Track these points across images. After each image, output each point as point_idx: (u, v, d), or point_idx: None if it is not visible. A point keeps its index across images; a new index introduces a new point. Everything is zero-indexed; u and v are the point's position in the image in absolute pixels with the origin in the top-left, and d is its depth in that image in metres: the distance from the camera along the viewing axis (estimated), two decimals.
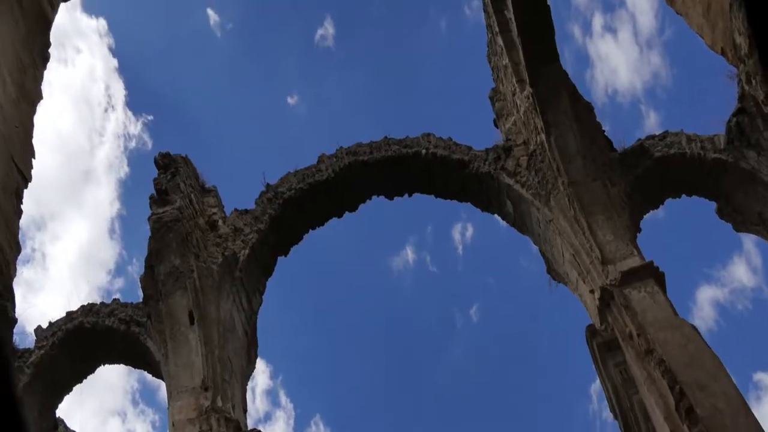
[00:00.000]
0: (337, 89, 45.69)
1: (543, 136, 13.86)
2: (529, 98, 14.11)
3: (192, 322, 13.74)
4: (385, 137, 15.68)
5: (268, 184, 15.55)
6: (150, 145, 42.48)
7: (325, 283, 44.69)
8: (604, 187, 13.63)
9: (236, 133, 45.47)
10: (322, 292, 44.23)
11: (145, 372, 15.43)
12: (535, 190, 13.93)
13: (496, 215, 15.43)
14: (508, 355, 43.53)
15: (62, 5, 6.94)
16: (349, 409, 43.04)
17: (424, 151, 15.26)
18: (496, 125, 15.55)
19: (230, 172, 41.06)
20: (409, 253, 45.12)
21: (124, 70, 44.86)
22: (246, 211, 15.28)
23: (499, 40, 14.60)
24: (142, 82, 45.55)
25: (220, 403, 12.77)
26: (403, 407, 42.49)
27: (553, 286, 14.95)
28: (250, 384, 14.91)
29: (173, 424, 12.51)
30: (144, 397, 41.83)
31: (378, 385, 43.06)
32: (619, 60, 44.01)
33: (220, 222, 15.05)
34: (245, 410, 14.06)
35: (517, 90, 14.39)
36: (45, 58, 6.60)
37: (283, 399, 42.93)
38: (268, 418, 41.07)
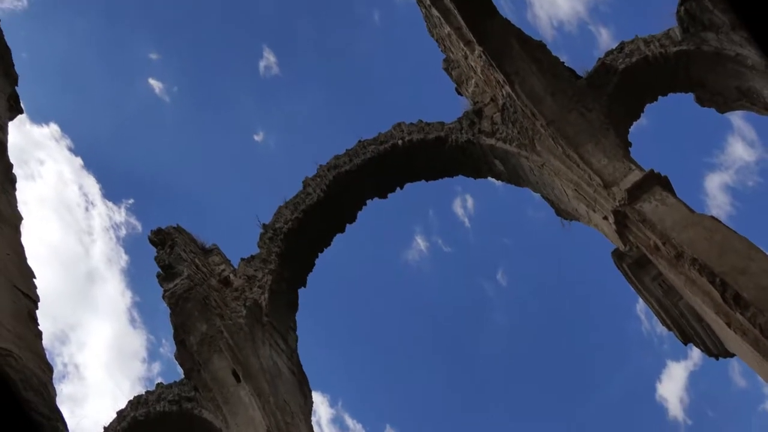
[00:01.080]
0: (298, 111, 45.71)
1: (507, 87, 13.85)
2: (481, 56, 14.10)
3: (238, 380, 13.76)
4: (359, 141, 15.69)
5: (264, 224, 15.55)
6: (140, 227, 42.52)
7: (349, 296, 44.63)
8: (581, 116, 13.62)
9: (217, 186, 45.49)
10: (350, 305, 44.16)
11: None
12: (518, 141, 13.92)
13: (489, 178, 15.44)
14: (547, 306, 43.60)
15: (11, 123, 6.94)
16: (416, 408, 43.03)
17: (399, 142, 15.27)
18: (459, 93, 15.53)
19: (224, 225, 41.06)
20: (420, 242, 45.14)
21: (90, 166, 44.87)
22: (252, 257, 15.28)
23: (434, 12, 14.61)
24: (111, 170, 45.59)
25: None
26: (466, 387, 42.49)
27: (567, 226, 14.96)
28: (313, 419, 14.92)
29: None
30: None
31: (434, 375, 43.06)
32: None
33: (232, 276, 15.07)
34: None
35: (468, 53, 14.38)
36: (12, 180, 6.61)
37: (350, 422, 42.88)
38: None
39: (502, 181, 15.35)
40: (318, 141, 42.52)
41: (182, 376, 14.52)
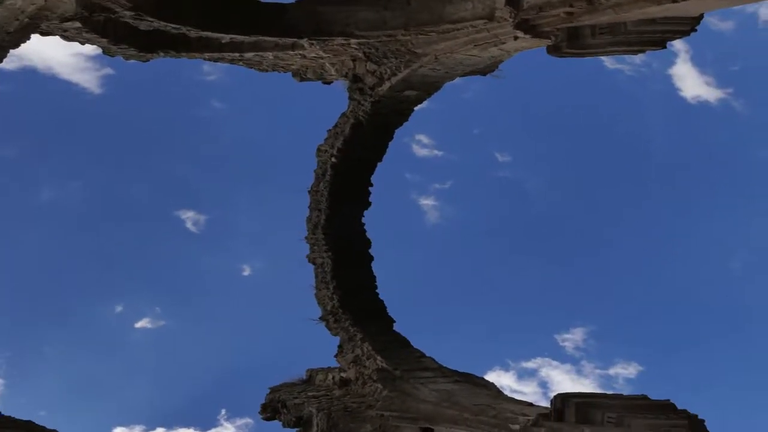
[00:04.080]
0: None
1: (351, 40, 13.88)
2: (312, 44, 14.14)
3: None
4: None
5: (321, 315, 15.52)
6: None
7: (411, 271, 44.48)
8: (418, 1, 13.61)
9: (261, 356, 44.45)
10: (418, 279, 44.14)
11: None
12: (405, 62, 13.96)
13: (415, 108, 15.42)
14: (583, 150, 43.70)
15: None
16: None
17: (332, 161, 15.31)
18: (328, 83, 15.53)
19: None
20: (431, 196, 45.22)
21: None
22: (339, 347, 15.28)
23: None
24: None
25: None
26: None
27: (498, 72, 14.93)
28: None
29: None
30: None
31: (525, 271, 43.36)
32: None
33: (344, 374, 15.04)
34: None
35: (302, 53, 14.41)
36: None
37: None
38: None
39: (423, 99, 15.37)
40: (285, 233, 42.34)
41: None
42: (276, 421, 14.96)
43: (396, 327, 16.04)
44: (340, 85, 15.22)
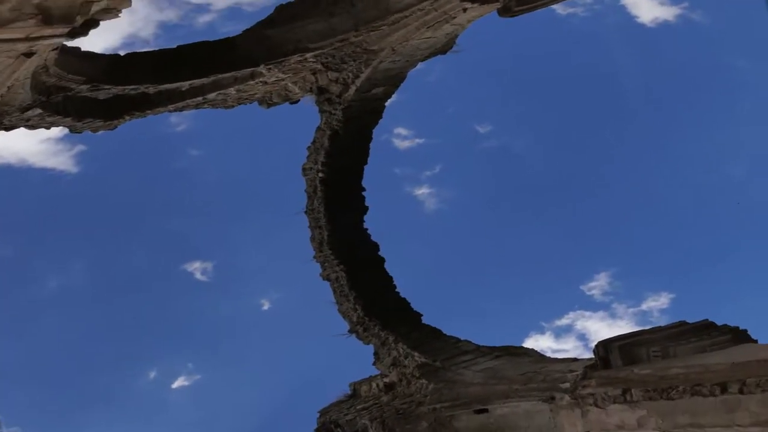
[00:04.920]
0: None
1: (307, 54, 13.89)
2: (270, 69, 14.16)
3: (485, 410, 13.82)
4: None
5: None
6: None
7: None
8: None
9: None
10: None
11: None
12: (365, 61, 13.99)
13: (386, 103, 15.45)
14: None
15: None
16: None
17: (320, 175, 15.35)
18: (295, 102, 15.53)
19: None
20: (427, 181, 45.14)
21: None
22: (375, 353, 15.29)
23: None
24: None
25: None
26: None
27: (456, 47, 14.93)
28: None
29: None
30: None
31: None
32: None
33: (387, 379, 15.03)
34: None
35: (262, 80, 14.41)
36: None
37: None
38: None
39: (391, 93, 15.39)
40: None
41: None
42: None
43: (424, 320, 16.05)
44: (308, 101, 15.23)
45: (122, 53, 13.72)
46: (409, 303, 16.19)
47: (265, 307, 44.98)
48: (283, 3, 14.30)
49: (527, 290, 44.23)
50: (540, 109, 45.71)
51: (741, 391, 10.66)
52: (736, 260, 40.84)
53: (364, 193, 16.16)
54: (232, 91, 14.51)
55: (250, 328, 46.68)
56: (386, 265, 16.35)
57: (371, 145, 15.95)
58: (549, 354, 15.14)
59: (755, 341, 12.90)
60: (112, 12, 9.82)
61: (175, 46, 14.07)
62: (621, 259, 43.60)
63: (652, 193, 43.23)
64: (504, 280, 44.84)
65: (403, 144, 45.09)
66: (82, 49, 12.83)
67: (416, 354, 14.72)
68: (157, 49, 14.09)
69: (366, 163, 16.09)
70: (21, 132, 13.16)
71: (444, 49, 14.70)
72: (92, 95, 13.28)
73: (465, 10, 12.86)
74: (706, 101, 41.94)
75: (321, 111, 14.99)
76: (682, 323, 13.13)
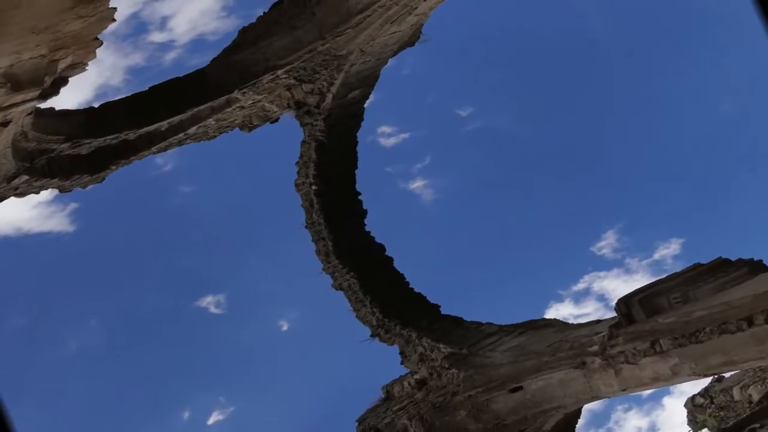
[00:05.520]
0: None
1: (278, 71, 13.93)
2: (245, 93, 14.18)
3: (519, 388, 13.83)
4: None
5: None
6: None
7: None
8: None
9: None
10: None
11: None
12: (337, 69, 14.00)
13: (365, 105, 15.46)
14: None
15: None
16: None
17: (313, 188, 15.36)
18: (275, 121, 15.54)
19: None
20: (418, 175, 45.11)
21: None
22: (401, 352, 15.29)
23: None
24: None
25: None
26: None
27: (423, 37, 14.93)
28: None
29: None
30: None
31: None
32: None
33: (418, 375, 15.03)
34: None
35: (241, 105, 14.42)
36: None
37: None
38: None
39: (368, 94, 15.40)
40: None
41: None
42: None
43: (443, 310, 16.04)
44: (289, 117, 15.23)
45: (96, 105, 13.72)
46: (426, 297, 16.19)
47: (285, 328, 44.99)
48: (245, 25, 14.31)
49: (538, 262, 44.33)
50: (518, 82, 45.79)
51: None
52: (739, 194, 40.89)
53: (360, 197, 16.15)
54: (211, 121, 14.51)
55: (274, 351, 46.71)
56: (395, 264, 16.36)
57: (358, 148, 15.96)
58: (572, 321, 15.15)
59: None
60: (79, 66, 9.82)
61: (146, 88, 14.07)
62: (625, 214, 43.67)
63: (644, 144, 43.28)
64: (514, 256, 44.88)
65: (389, 142, 45.09)
66: (57, 108, 12.82)
67: (442, 345, 14.71)
68: (129, 94, 14.08)
69: (356, 167, 16.08)
70: (11, 201, 13.15)
71: (411, 40, 14.69)
72: (75, 152, 13.27)
73: None
74: (684, 45, 41.93)
75: (302, 124, 14.98)
76: (697, 265, 13.13)
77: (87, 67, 10.03)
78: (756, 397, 18.16)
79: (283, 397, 46.83)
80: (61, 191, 14.04)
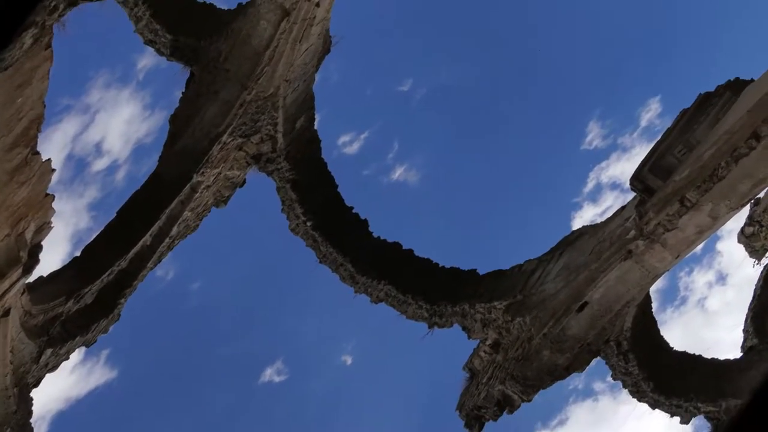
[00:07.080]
0: None
1: (252, 83, 13.93)
2: (242, 105, 14.20)
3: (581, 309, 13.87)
4: None
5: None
6: None
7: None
8: None
9: None
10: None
11: None
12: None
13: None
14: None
15: None
16: None
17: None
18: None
19: None
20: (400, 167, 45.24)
21: None
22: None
23: None
24: None
25: None
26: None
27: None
28: None
29: None
30: None
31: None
32: None
33: (488, 342, 15.09)
34: None
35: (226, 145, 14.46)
36: None
37: None
38: None
39: (313, 116, 15.43)
40: None
41: None
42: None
43: (480, 271, 16.06)
44: (254, 173, 15.24)
45: (77, 254, 13.75)
46: (459, 268, 16.21)
47: (349, 362, 44.95)
48: (172, 113, 14.32)
49: (543, 185, 44.07)
50: (437, 36, 45.59)
51: None
52: (696, 27, 40.61)
53: (354, 211, 16.16)
54: (187, 214, 14.53)
55: (350, 388, 46.62)
56: (417, 253, 16.37)
57: (329, 167, 15.97)
58: (599, 220, 15.15)
59: (751, 80, 12.93)
60: (45, 228, 9.85)
61: (114, 215, 14.10)
62: (599, 100, 43.44)
63: (583, 32, 42.97)
64: (517, 192, 44.68)
65: (353, 148, 45.02)
66: (45, 274, 12.86)
67: (496, 303, 14.72)
68: (102, 228, 14.12)
69: (337, 185, 16.10)
70: (50, 378, 13.18)
71: (326, 47, 14.70)
72: (81, 305, 13.30)
73: (318, 4, 12.87)
74: None
75: (269, 173, 14.99)
76: (684, 112, 13.14)
77: (52, 225, 10.05)
78: None
79: (377, 429, 46.85)
80: (87, 346, 14.06)
